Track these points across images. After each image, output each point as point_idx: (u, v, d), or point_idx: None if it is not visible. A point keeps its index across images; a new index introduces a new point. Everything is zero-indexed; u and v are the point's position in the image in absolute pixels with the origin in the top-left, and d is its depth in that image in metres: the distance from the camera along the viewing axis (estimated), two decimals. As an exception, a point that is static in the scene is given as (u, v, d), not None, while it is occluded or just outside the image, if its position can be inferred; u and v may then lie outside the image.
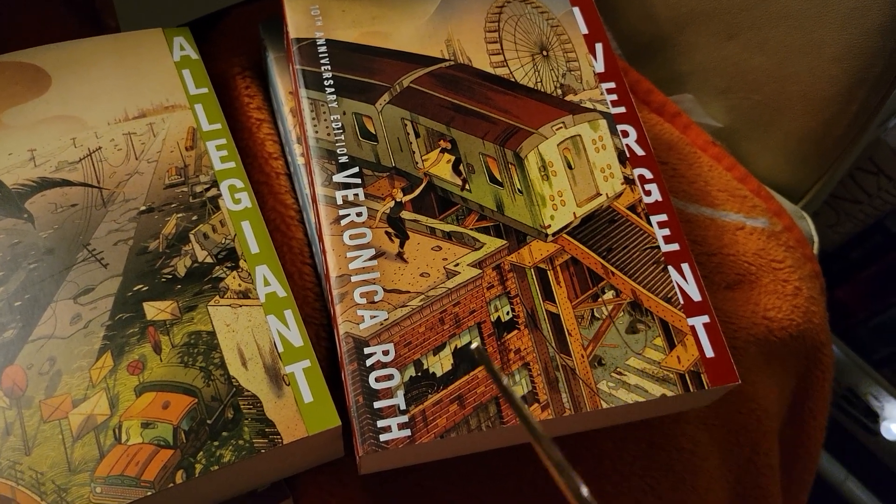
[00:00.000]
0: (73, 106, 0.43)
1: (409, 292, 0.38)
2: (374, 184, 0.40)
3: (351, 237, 0.39)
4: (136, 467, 0.34)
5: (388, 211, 0.39)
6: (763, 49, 0.57)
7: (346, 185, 0.40)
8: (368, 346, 0.36)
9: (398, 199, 0.40)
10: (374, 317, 0.37)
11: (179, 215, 0.40)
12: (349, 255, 0.38)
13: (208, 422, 0.35)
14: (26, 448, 0.33)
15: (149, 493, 0.33)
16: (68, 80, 0.44)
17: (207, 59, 0.48)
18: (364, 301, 0.37)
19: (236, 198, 0.41)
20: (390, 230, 0.39)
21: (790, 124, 0.60)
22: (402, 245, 0.39)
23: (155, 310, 0.37)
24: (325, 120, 0.41)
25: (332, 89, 0.42)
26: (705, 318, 0.39)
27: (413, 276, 0.38)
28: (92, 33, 0.46)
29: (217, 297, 0.38)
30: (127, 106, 0.43)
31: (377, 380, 0.36)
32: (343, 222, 0.39)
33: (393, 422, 0.35)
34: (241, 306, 0.38)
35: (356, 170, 0.40)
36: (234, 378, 0.36)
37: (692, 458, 0.48)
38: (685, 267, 0.40)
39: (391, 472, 0.44)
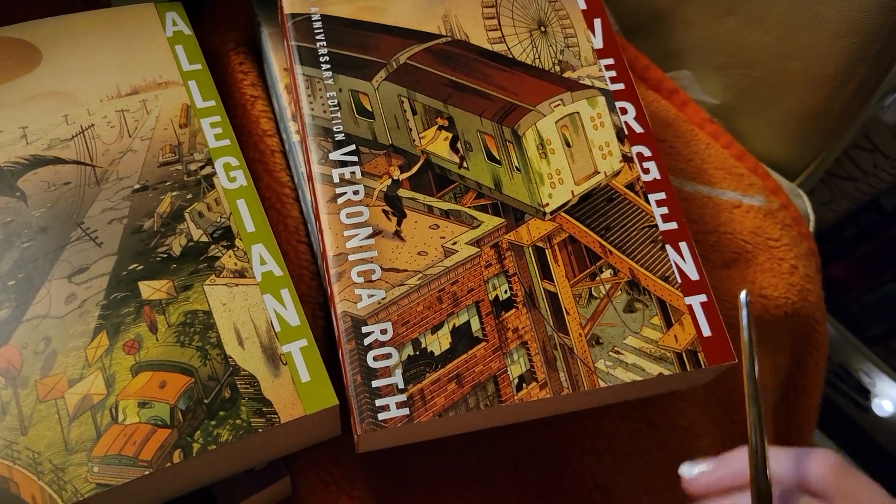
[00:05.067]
0: (64, 82, 0.42)
1: (406, 271, 0.37)
2: (370, 161, 0.40)
3: (348, 215, 0.38)
4: (133, 447, 0.33)
5: (385, 189, 0.39)
6: (762, 25, 0.56)
7: (343, 163, 0.39)
8: (366, 324, 0.36)
9: (395, 177, 0.39)
10: (372, 296, 0.37)
11: (174, 193, 0.40)
12: (346, 233, 0.38)
13: (205, 401, 0.35)
14: (23, 428, 0.33)
15: (146, 473, 0.33)
16: (59, 56, 0.43)
17: (200, 35, 0.47)
18: (361, 280, 0.37)
19: (231, 176, 0.41)
20: (387, 208, 0.39)
21: (788, 101, 0.59)
22: (399, 223, 0.38)
23: (150, 289, 0.37)
24: (321, 97, 0.41)
25: (328, 66, 0.42)
26: (703, 298, 0.39)
27: (411, 254, 0.38)
28: (82, 8, 0.45)
29: (213, 277, 0.38)
30: (119, 82, 0.43)
31: (375, 358, 0.35)
32: (340, 200, 0.39)
33: (391, 400, 0.35)
34: (237, 285, 0.38)
35: (353, 147, 0.40)
36: (230, 357, 0.36)
37: (688, 436, 0.49)
38: (683, 246, 0.40)
39: (387, 449, 0.44)
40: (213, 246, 0.39)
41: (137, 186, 0.40)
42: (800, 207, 0.60)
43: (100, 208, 0.39)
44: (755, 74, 0.59)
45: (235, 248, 0.39)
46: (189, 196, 0.40)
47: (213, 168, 0.41)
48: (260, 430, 0.34)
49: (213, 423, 0.34)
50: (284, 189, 0.46)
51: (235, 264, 0.38)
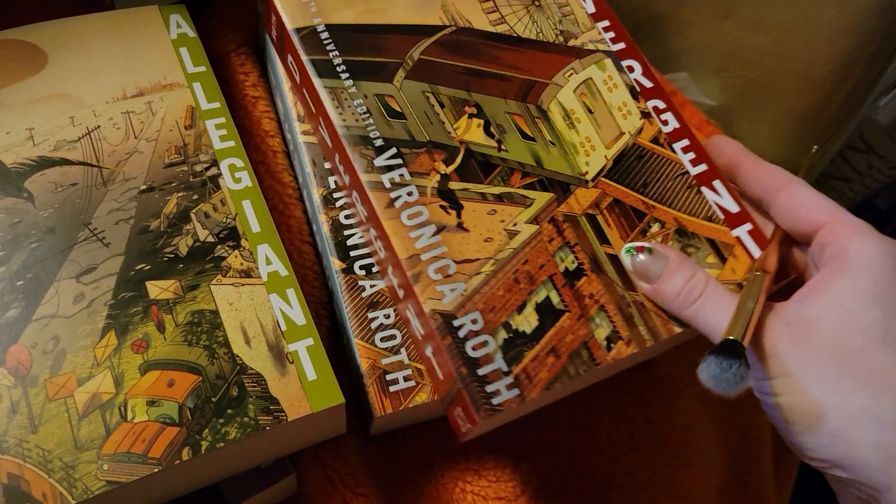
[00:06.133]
0: (70, 84, 0.43)
1: (479, 259, 0.38)
2: (415, 161, 0.40)
3: (409, 217, 0.38)
4: (142, 444, 0.34)
5: (436, 185, 0.39)
6: (759, 27, 0.57)
7: (389, 168, 0.39)
8: (456, 318, 0.36)
9: (442, 172, 0.40)
10: (454, 289, 0.37)
11: (180, 194, 0.40)
12: (411, 234, 0.38)
13: (213, 399, 0.35)
14: (32, 426, 0.34)
15: (155, 470, 0.33)
16: (65, 58, 0.43)
17: (201, 36, 0.47)
18: (440, 276, 0.37)
19: (237, 177, 0.41)
20: (444, 203, 0.39)
21: (784, 103, 0.60)
22: (459, 215, 0.39)
23: (158, 289, 0.38)
24: (349, 106, 0.41)
25: (347, 74, 0.42)
26: (748, 226, 0.41)
27: (478, 242, 0.38)
28: (87, 11, 0.45)
29: (219, 276, 0.38)
30: (125, 84, 0.43)
31: (474, 348, 0.36)
32: (397, 204, 0.39)
33: (500, 384, 0.35)
34: (243, 285, 0.38)
35: (394, 150, 0.40)
36: (237, 356, 0.36)
37: (687, 434, 0.49)
38: (717, 184, 0.42)
39: (391, 447, 0.44)
40: (219, 246, 0.39)
41: (144, 187, 0.40)
42: (796, 207, 0.61)
43: (107, 209, 0.39)
44: (752, 76, 0.60)
45: (241, 249, 0.39)
46: (195, 197, 0.40)
47: (219, 169, 0.41)
48: (267, 428, 0.35)
49: (221, 421, 0.35)
50: (287, 189, 0.46)
51: (241, 264, 0.39)
